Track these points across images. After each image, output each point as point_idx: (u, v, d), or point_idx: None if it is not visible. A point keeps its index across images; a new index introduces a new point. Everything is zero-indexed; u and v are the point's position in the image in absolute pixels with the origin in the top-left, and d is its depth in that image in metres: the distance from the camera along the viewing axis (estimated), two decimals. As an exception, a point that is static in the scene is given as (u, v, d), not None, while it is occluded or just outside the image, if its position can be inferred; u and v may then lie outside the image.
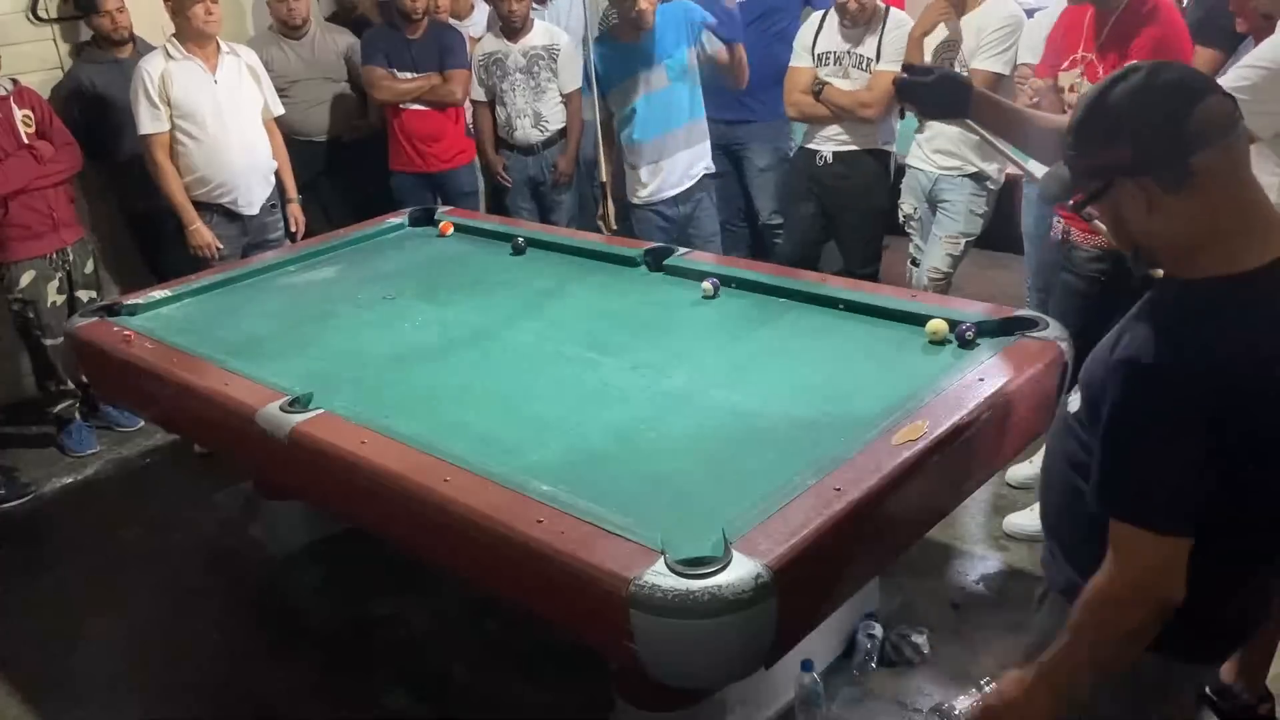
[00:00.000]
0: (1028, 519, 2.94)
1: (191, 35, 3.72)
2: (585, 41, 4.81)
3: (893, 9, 3.62)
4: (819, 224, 3.91)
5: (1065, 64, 2.86)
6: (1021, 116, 2.01)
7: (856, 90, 3.61)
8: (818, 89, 3.66)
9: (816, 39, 3.69)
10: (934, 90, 1.98)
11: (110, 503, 3.67)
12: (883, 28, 3.57)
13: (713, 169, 4.01)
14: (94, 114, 3.99)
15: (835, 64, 3.65)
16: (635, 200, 3.96)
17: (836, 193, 3.78)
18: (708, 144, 3.98)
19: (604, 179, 4.06)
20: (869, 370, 2.31)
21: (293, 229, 4.10)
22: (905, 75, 2.04)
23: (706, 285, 2.83)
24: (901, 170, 3.77)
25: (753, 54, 3.90)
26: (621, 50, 3.84)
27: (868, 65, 3.59)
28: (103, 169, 4.18)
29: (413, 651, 2.72)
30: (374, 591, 2.94)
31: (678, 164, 3.88)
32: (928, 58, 3.40)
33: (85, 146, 4.00)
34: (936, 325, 2.38)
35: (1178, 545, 1.32)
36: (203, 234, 3.81)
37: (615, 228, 4.06)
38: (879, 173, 3.74)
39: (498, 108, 4.45)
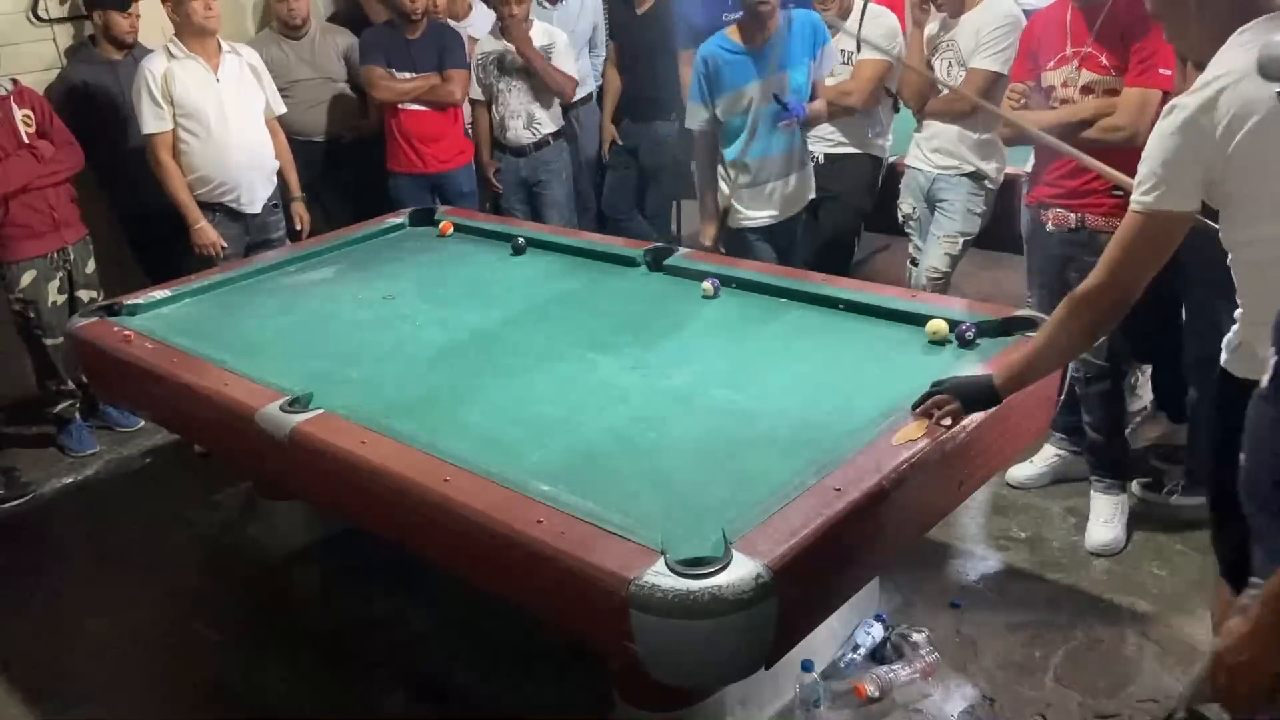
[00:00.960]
0: (1026, 470, 3.18)
1: (191, 31, 3.71)
2: (594, 43, 4.83)
3: (870, 2, 3.66)
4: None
5: (1051, 63, 2.86)
6: (1030, 352, 1.99)
7: (839, 82, 3.68)
8: None
9: None
10: (960, 393, 2.02)
11: (110, 503, 3.67)
12: (861, 20, 3.63)
13: (814, 195, 3.64)
14: (86, 115, 3.97)
15: None
16: (733, 224, 3.58)
17: (823, 191, 3.82)
18: (811, 168, 3.62)
19: (722, 203, 3.59)
20: (869, 370, 2.31)
21: (297, 227, 4.10)
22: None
23: (706, 285, 2.83)
24: (893, 173, 3.79)
25: None
26: (741, 53, 3.38)
27: (850, 58, 3.67)
28: (95, 170, 4.18)
29: (413, 651, 2.72)
30: (374, 591, 2.94)
31: (786, 188, 3.51)
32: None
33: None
34: (936, 325, 2.39)
35: None
36: (208, 233, 3.81)
37: (724, 250, 3.57)
38: (867, 175, 3.78)
39: (494, 108, 4.47)
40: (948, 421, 1.97)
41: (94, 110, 3.98)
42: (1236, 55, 1.68)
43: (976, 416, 2.01)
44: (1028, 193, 3.03)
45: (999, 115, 3.12)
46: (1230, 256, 1.81)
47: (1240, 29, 1.71)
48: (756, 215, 3.51)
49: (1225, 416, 1.78)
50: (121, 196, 4.15)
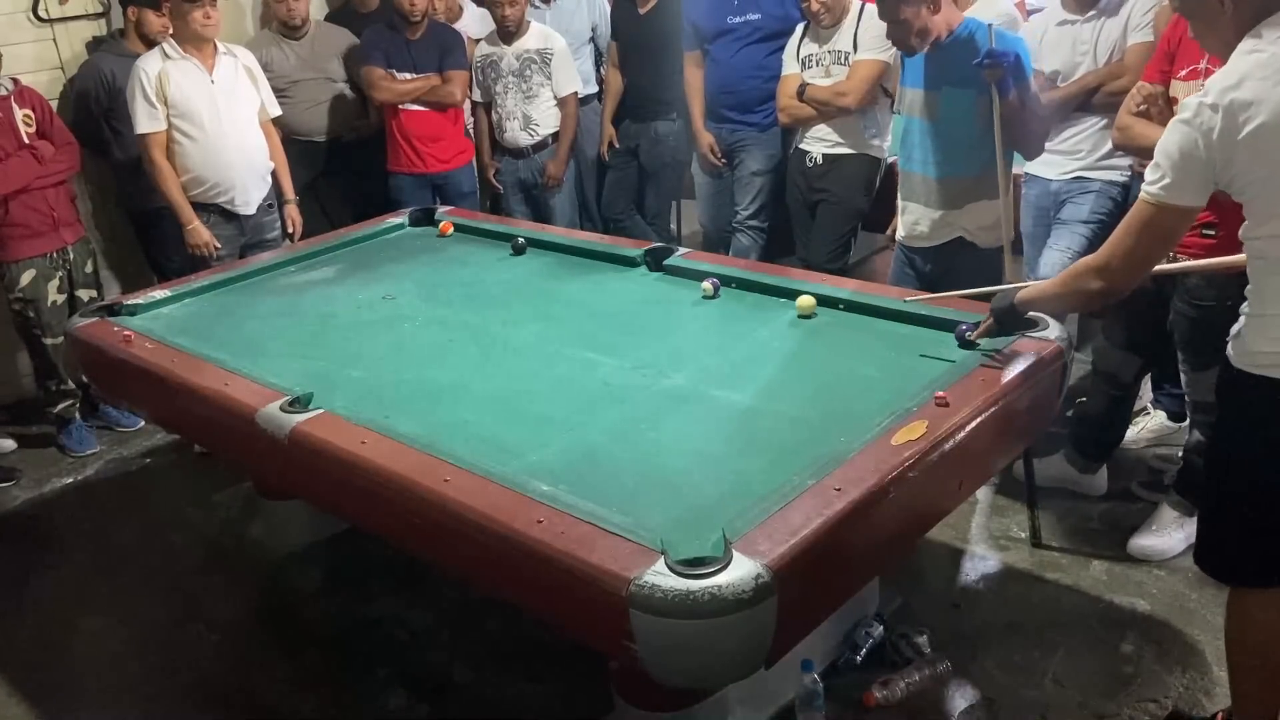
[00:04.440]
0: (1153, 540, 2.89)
1: (189, 38, 3.72)
2: (594, 42, 4.83)
3: (868, 4, 3.66)
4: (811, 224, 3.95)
5: (1184, 73, 2.59)
6: (1042, 290, 2.18)
7: (836, 83, 3.68)
8: (800, 90, 3.73)
9: (800, 46, 3.78)
10: (996, 312, 2.26)
11: (110, 503, 3.67)
12: (858, 21, 3.63)
13: (978, 243, 3.11)
14: (113, 104, 3.97)
15: (817, 65, 3.74)
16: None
17: (820, 190, 3.85)
18: (973, 210, 3.07)
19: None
20: (869, 370, 2.31)
21: (289, 230, 4.10)
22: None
23: (706, 285, 2.83)
24: (892, 173, 3.79)
25: (756, 71, 4.02)
26: (922, 54, 3.07)
27: (846, 59, 3.67)
28: (112, 163, 4.18)
29: (413, 651, 2.72)
30: (374, 591, 2.94)
31: (922, 216, 3.18)
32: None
33: (99, 137, 4.05)
34: (805, 301, 2.57)
35: None
36: (200, 233, 3.82)
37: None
38: (863, 175, 3.78)
39: (492, 110, 4.48)
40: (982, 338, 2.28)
41: (116, 101, 3.96)
42: (1246, 59, 1.73)
43: (975, 416, 2.01)
44: None
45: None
46: (1245, 248, 1.85)
47: (1251, 31, 1.76)
48: (903, 228, 3.30)
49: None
50: (135, 190, 4.12)
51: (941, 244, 3.17)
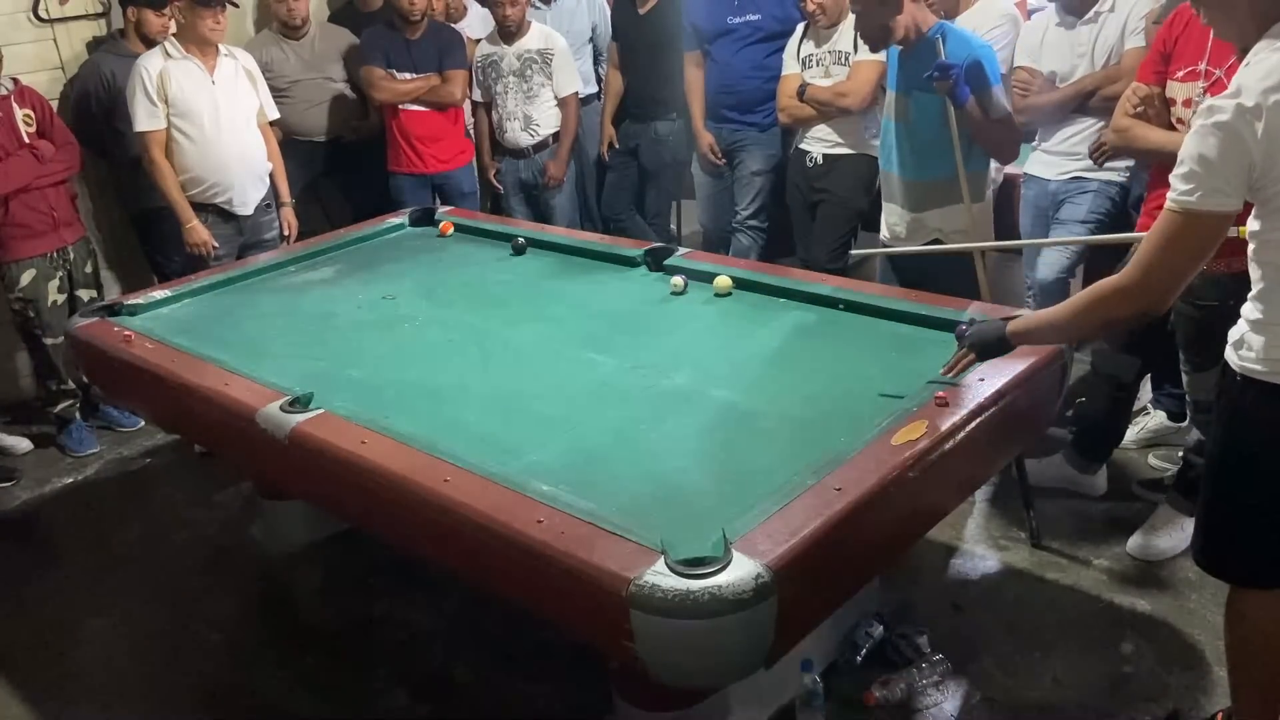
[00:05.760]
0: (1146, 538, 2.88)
1: (194, 40, 3.73)
2: (594, 42, 4.83)
3: None
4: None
5: (1182, 73, 2.53)
6: (1045, 320, 2.04)
7: (837, 84, 3.68)
8: (801, 90, 3.74)
9: (800, 47, 3.79)
10: (977, 345, 2.13)
11: (110, 503, 3.67)
12: None
13: (952, 249, 3.04)
14: (114, 104, 3.97)
15: (817, 65, 3.75)
16: None
17: (820, 191, 3.86)
18: (946, 214, 3.08)
19: None
20: (869, 370, 2.31)
21: (285, 233, 4.10)
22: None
23: (677, 280, 2.86)
24: None
25: (756, 71, 4.03)
26: (897, 56, 3.08)
27: (846, 59, 3.67)
28: (112, 163, 4.18)
29: (413, 651, 2.72)
30: (374, 591, 2.94)
31: (899, 217, 3.19)
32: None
33: (100, 137, 4.05)
34: (722, 281, 2.78)
35: None
36: (199, 232, 3.82)
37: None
38: (863, 176, 3.78)
39: (493, 110, 4.48)
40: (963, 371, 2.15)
41: (116, 102, 3.95)
42: (1276, 58, 1.65)
43: (975, 416, 2.01)
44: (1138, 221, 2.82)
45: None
46: (1252, 249, 1.81)
47: (1272, 29, 1.68)
48: (884, 229, 3.31)
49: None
50: (137, 191, 4.11)
51: (920, 245, 3.15)
